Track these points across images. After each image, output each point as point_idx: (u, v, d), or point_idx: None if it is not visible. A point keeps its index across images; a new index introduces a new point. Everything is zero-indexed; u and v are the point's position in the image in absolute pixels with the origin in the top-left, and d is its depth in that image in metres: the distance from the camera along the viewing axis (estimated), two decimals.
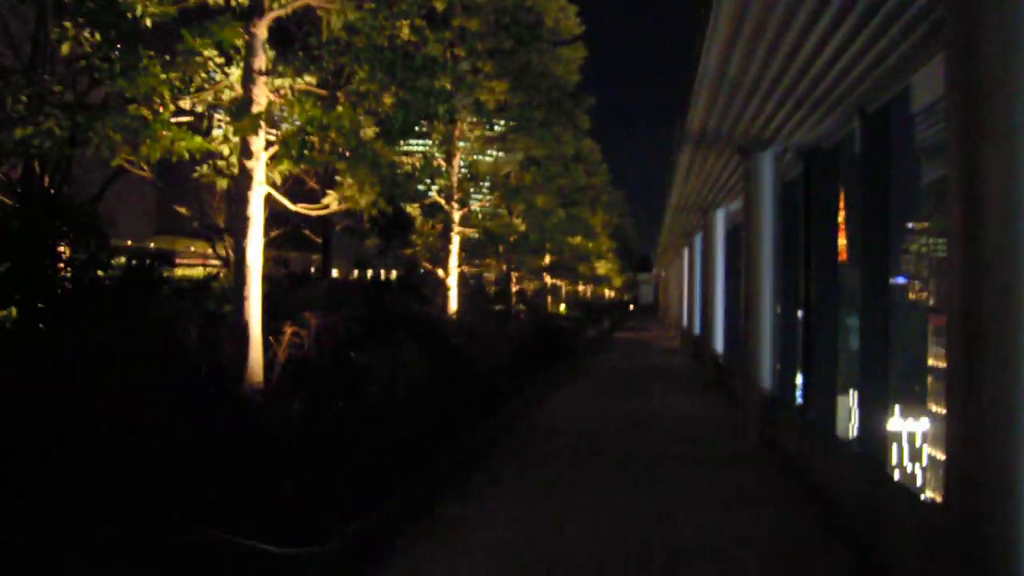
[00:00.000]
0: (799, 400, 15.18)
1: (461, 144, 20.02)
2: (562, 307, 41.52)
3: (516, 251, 20.55)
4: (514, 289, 29.34)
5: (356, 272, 20.61)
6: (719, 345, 24.75)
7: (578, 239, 40.73)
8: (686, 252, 40.63)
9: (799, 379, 15.79)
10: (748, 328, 14.83)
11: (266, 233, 23.94)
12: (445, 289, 20.43)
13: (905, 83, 10.58)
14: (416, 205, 19.51)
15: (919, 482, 18.07)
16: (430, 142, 19.96)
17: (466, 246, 20.97)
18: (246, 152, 10.24)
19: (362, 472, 8.11)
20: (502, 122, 19.59)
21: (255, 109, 10.06)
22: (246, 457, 7.40)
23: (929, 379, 16.38)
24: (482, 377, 15.75)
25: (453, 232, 20.12)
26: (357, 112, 10.56)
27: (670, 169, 21.45)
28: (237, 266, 10.29)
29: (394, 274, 36.24)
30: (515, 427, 15.28)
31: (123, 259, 14.51)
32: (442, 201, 20.07)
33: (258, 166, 10.30)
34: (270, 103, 10.38)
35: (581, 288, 56.77)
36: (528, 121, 19.39)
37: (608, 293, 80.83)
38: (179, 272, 27.68)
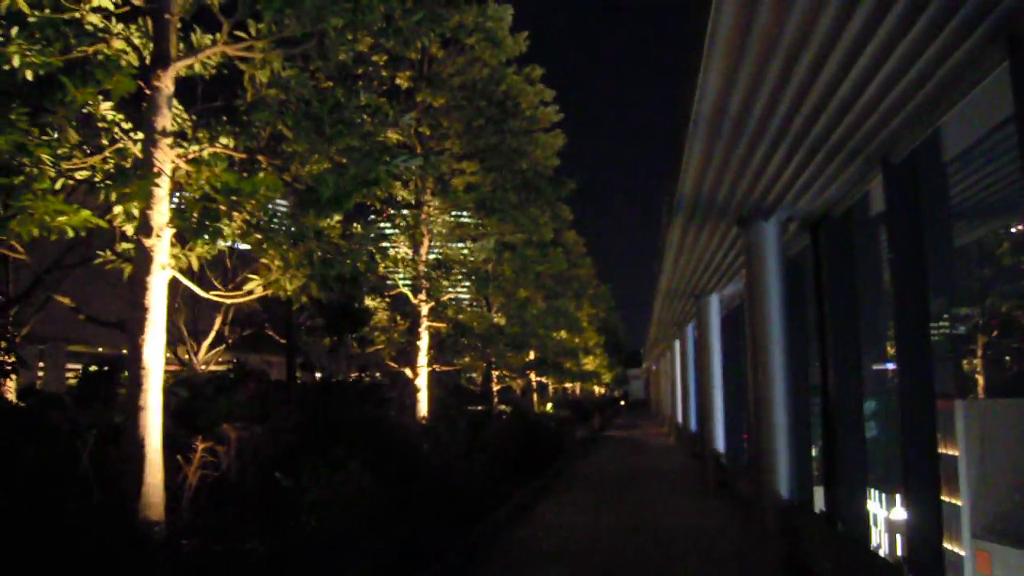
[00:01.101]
0: (821, 507, 13.07)
1: (429, 231, 18.28)
2: (548, 406, 39.25)
3: (493, 346, 18.53)
4: (495, 388, 27.20)
5: (315, 375, 18.48)
6: (720, 443, 22.57)
7: (563, 333, 38.85)
8: (677, 344, 38.72)
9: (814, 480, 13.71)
10: (758, 423, 12.79)
11: (226, 336, 21.74)
12: (414, 391, 18.34)
13: (935, 126, 8.91)
14: (377, 298, 17.60)
15: None
16: (390, 226, 18.23)
17: (439, 342, 18.99)
18: (144, 228, 8.34)
19: None
20: (471, 207, 17.88)
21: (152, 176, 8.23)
22: None
23: None
24: (455, 491, 13.61)
25: (421, 327, 18.17)
26: (282, 178, 8.77)
27: (659, 252, 19.75)
28: (130, 368, 8.25)
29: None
30: (491, 552, 12.99)
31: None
32: (408, 293, 18.18)
33: (159, 245, 8.38)
34: (175, 169, 8.55)
35: (568, 385, 54.52)
36: (501, 203, 17.69)
37: (598, 390, 78.49)
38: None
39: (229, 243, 9.30)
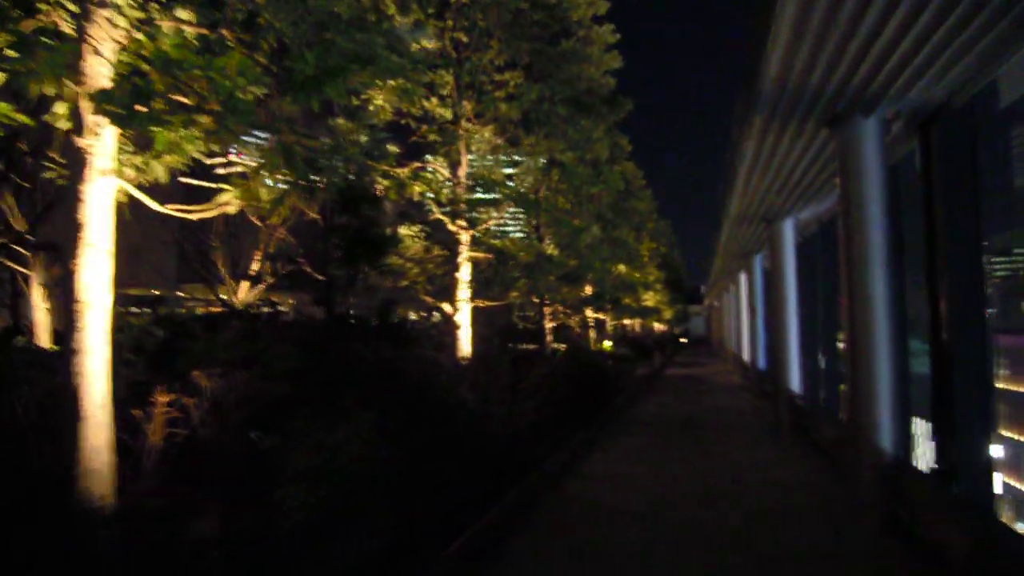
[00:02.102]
0: (925, 460, 10.97)
1: (467, 148, 16.26)
2: (607, 344, 37.33)
3: (542, 278, 16.52)
4: (548, 326, 25.31)
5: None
6: (795, 382, 20.41)
7: (622, 267, 36.75)
8: (743, 277, 36.32)
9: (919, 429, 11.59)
10: (855, 364, 10.67)
11: (267, 276, 19.92)
12: (454, 328, 16.54)
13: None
14: (411, 226, 15.69)
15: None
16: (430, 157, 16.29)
17: (483, 276, 17.05)
18: (77, 125, 6.53)
19: None
20: (514, 120, 15.77)
21: (87, 53, 6.40)
22: None
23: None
24: (494, 442, 11.86)
25: (461, 257, 16.28)
26: (255, 59, 6.84)
27: (728, 171, 17.45)
28: (64, 303, 6.52)
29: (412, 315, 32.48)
30: (532, 515, 11.19)
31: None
32: (446, 219, 16.27)
33: (97, 146, 6.56)
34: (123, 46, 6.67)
35: (628, 322, 52.50)
36: (548, 115, 15.55)
37: (658, 327, 76.28)
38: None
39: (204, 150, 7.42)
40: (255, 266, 24.24)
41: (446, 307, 16.44)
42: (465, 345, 16.51)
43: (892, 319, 10.43)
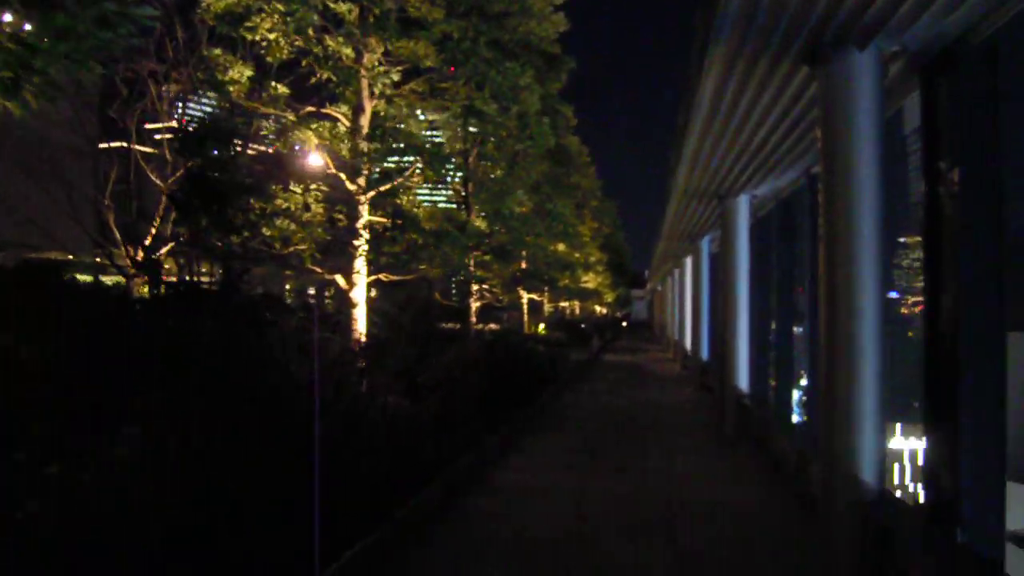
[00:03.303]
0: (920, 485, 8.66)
1: (371, 91, 13.57)
2: (541, 327, 34.98)
3: (452, 247, 13.87)
4: (474, 306, 22.75)
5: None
6: (743, 380, 18.17)
7: (561, 246, 34.37)
8: (688, 261, 34.22)
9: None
10: (831, 369, 8.28)
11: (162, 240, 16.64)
12: (350, 306, 13.92)
13: None
14: (298, 186, 12.93)
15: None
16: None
17: (385, 245, 14.37)
18: None
19: None
20: (428, 56, 13.10)
21: None
22: None
23: None
24: (386, 451, 9.40)
25: (360, 223, 13.64)
26: None
27: (679, 132, 14.98)
28: None
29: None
30: (413, 553, 8.70)
31: None
32: (343, 177, 13.61)
33: None
34: None
35: (566, 304, 50.25)
36: (467, 56, 12.92)
37: (599, 310, 74.34)
38: None
39: None
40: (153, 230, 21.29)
41: (339, 280, 13.78)
42: (361, 326, 13.91)
43: (879, 320, 8.10)
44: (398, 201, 15.06)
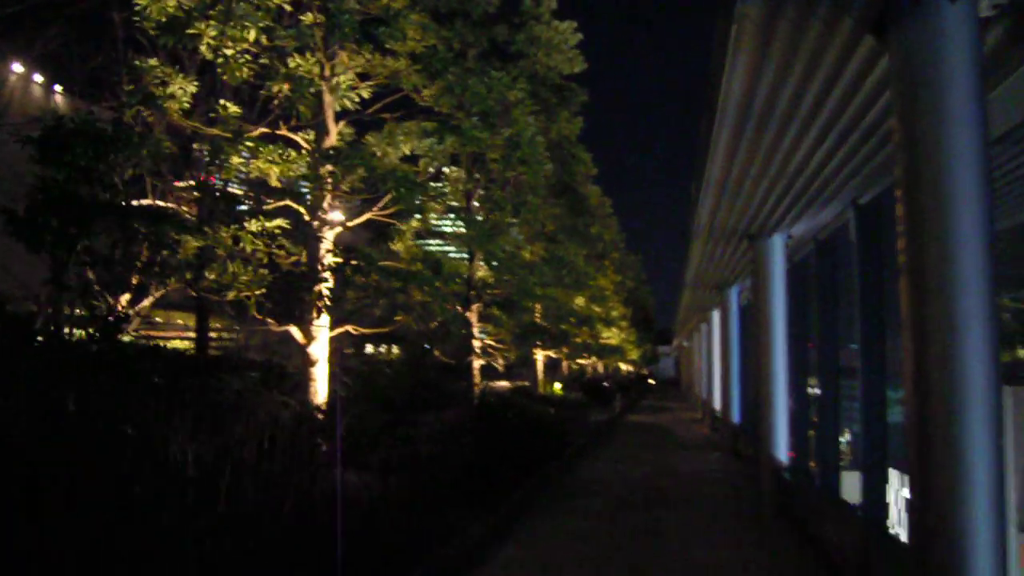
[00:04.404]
0: None
1: (334, 95, 11.42)
2: (556, 386, 32.45)
3: (421, 293, 11.51)
4: (477, 364, 20.37)
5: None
6: (780, 448, 15.54)
7: (580, 299, 32.02)
8: (716, 315, 31.72)
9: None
10: (924, 433, 5.81)
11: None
12: (308, 364, 11.62)
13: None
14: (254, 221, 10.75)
15: None
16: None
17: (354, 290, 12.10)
18: None
19: None
20: (402, 65, 10.98)
21: None
22: None
23: None
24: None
25: (323, 260, 11.41)
26: None
27: (701, 149, 12.70)
28: None
29: None
30: None
31: None
32: (301, 209, 11.43)
33: None
34: None
35: (586, 362, 47.66)
36: (445, 64, 10.76)
37: (624, 367, 71.58)
38: None
39: None
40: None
41: (295, 333, 11.49)
42: (322, 387, 11.58)
43: (990, 359, 5.66)
44: (393, 247, 12.92)
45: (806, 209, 13.28)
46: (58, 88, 23.35)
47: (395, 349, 23.26)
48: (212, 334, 24.77)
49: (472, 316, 20.04)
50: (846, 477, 14.28)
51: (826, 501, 12.30)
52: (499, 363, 21.06)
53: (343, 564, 7.54)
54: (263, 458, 8.16)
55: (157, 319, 29.32)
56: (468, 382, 19.63)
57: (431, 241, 24.17)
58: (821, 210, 13.48)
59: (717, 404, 31.70)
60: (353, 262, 10.72)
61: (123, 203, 8.31)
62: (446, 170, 17.90)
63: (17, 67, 22.90)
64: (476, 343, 20.22)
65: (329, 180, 11.21)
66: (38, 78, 23.60)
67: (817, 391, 16.56)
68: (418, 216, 14.25)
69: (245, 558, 6.58)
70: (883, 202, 12.12)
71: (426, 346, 19.04)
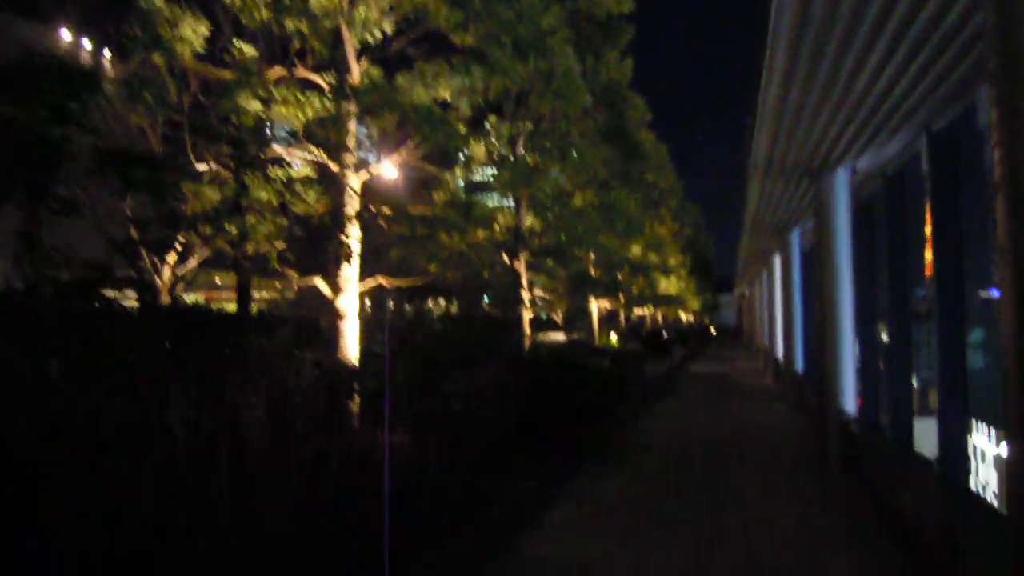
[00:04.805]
0: None
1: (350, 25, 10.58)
2: (613, 338, 31.61)
3: (448, 238, 10.68)
4: (527, 316, 19.61)
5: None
6: (848, 398, 14.52)
7: (636, 248, 30.97)
8: (777, 260, 30.44)
9: None
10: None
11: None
12: (337, 319, 10.99)
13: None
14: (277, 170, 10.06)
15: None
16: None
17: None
18: None
19: None
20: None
21: None
22: None
23: None
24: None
25: (347, 209, 10.70)
26: None
27: (760, 87, 11.64)
28: None
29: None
30: None
31: None
32: (322, 155, 10.69)
33: None
34: None
35: (646, 312, 46.63)
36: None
37: (684, 317, 70.20)
38: None
39: None
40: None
41: (321, 286, 10.83)
42: (352, 343, 10.94)
43: None
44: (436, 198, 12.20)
45: (873, 139, 12.14)
46: (107, 52, 23.01)
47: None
48: (262, 294, 24.42)
49: (520, 267, 19.25)
50: (920, 427, 13.30)
51: (899, 458, 11.33)
52: (556, 316, 20.30)
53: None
54: (277, 426, 7.55)
55: (217, 281, 29.06)
56: (518, 335, 18.90)
57: (481, 196, 23.36)
58: (889, 140, 12.33)
59: (780, 353, 30.57)
60: (374, 208, 9.99)
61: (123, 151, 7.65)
62: (491, 120, 17.09)
63: (65, 34, 22.60)
64: (525, 294, 19.46)
65: (351, 123, 10.46)
66: (86, 44, 23.13)
67: (884, 338, 15.51)
68: (461, 165, 13.51)
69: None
70: (960, 128, 10.98)
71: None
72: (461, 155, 13.25)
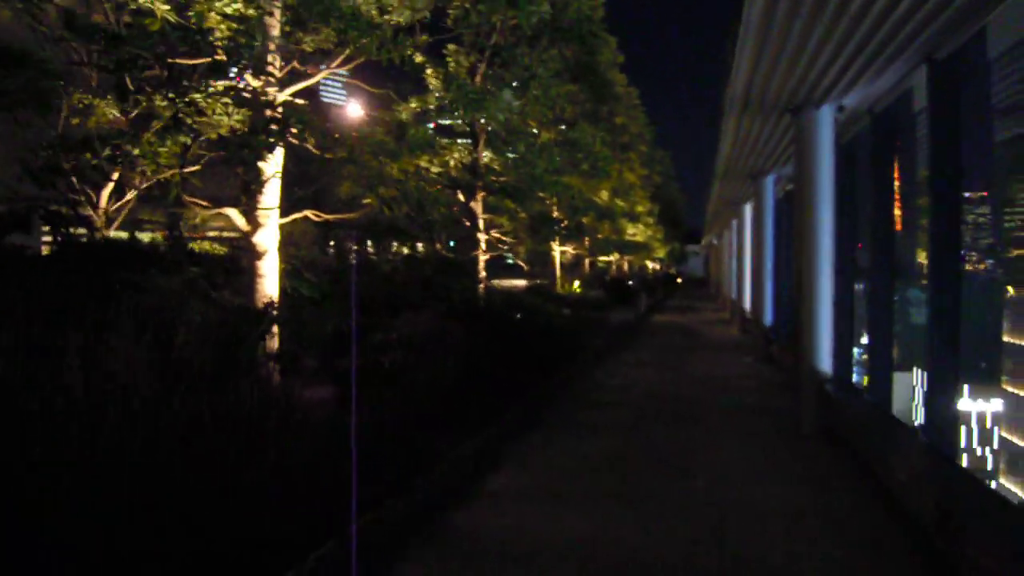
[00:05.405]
0: None
1: None
2: (576, 285, 30.49)
3: (379, 163, 9.27)
4: (483, 259, 18.32)
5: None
6: (824, 358, 13.39)
7: (604, 193, 29.78)
8: (748, 209, 29.31)
9: None
10: None
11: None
12: (253, 256, 9.62)
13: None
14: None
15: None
16: None
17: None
18: None
19: None
20: None
21: None
22: None
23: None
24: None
25: (266, 129, 9.25)
26: None
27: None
28: None
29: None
30: None
31: None
32: (247, 76, 9.21)
33: None
34: None
35: (612, 259, 45.55)
36: None
37: (651, 266, 69.31)
38: None
39: None
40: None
41: (236, 218, 9.43)
42: (270, 283, 9.59)
43: None
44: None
45: (866, 69, 10.86)
46: None
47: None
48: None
49: (477, 207, 17.94)
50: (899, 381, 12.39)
51: (882, 424, 10.28)
52: (520, 262, 19.06)
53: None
54: (156, 377, 6.24)
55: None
56: (472, 279, 17.61)
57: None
58: (883, 71, 11.06)
59: (747, 305, 29.60)
60: (288, 124, 8.53)
61: None
62: (449, 48, 15.64)
63: None
64: (481, 236, 18.15)
65: (274, 29, 8.99)
66: None
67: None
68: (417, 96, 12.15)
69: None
70: (966, 55, 9.76)
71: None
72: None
